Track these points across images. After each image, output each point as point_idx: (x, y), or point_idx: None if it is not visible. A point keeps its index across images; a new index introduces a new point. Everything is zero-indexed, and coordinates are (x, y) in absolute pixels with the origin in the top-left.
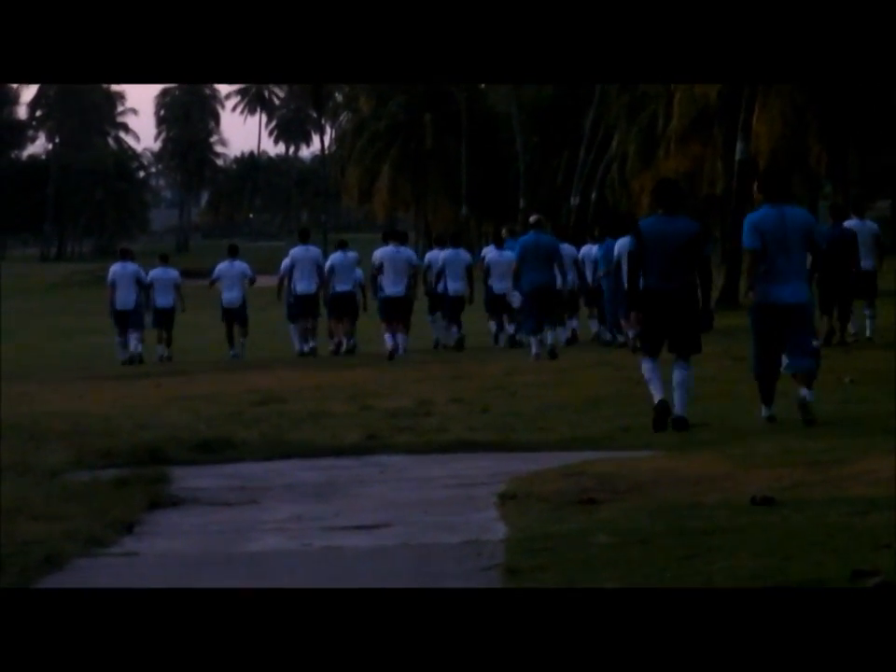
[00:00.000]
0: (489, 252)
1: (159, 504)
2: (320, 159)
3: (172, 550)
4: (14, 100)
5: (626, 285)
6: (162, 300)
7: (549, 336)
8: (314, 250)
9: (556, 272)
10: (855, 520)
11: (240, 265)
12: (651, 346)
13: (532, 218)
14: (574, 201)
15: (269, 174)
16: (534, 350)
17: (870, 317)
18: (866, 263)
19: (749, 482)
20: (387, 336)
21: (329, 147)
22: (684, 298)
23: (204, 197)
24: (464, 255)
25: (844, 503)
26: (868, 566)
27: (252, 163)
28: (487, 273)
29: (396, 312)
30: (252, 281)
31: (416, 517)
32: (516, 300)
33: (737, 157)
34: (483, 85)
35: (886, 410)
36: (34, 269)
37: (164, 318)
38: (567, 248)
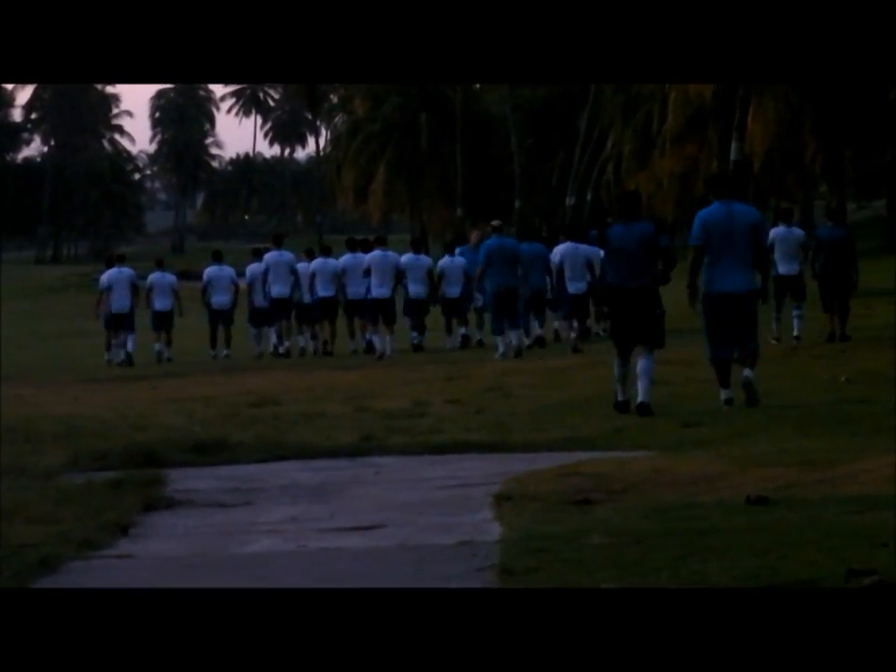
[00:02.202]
0: (443, 259)
1: (154, 506)
2: (315, 160)
3: (167, 552)
4: (9, 102)
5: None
6: (161, 303)
7: (513, 336)
8: (287, 255)
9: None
10: (850, 519)
11: (228, 270)
12: (620, 345)
13: (494, 223)
14: (570, 201)
15: (264, 175)
16: (501, 349)
17: (798, 318)
18: (790, 268)
19: (744, 481)
20: (375, 337)
21: (324, 148)
22: (646, 295)
23: (200, 199)
24: (424, 259)
25: (839, 502)
26: (863, 565)
27: (247, 165)
28: (440, 278)
29: (382, 313)
30: (237, 287)
31: (411, 518)
32: (479, 300)
33: (732, 157)
34: (477, 86)
35: (881, 409)
36: (29, 271)
37: (164, 321)
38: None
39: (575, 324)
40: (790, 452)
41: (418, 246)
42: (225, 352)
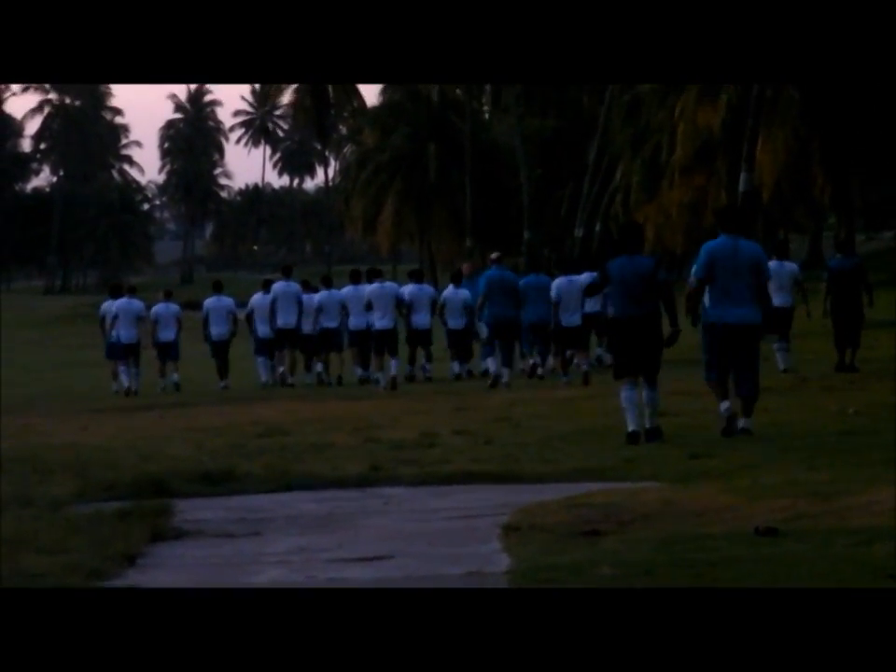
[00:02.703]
0: (447, 290)
1: (162, 536)
2: (324, 191)
3: (175, 582)
4: (18, 132)
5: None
6: (165, 334)
7: (491, 364)
8: (294, 286)
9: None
10: (859, 551)
11: (227, 300)
12: (625, 371)
13: (493, 255)
14: (578, 232)
15: (273, 206)
16: (492, 369)
17: (783, 350)
18: (783, 301)
19: (752, 513)
20: (379, 374)
21: (333, 179)
22: (647, 325)
23: (209, 229)
24: (427, 289)
25: (847, 534)
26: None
27: (256, 195)
28: (442, 309)
29: (386, 345)
30: (236, 318)
31: (419, 549)
32: (483, 331)
33: (741, 188)
34: (486, 116)
35: (889, 441)
36: (38, 301)
37: (169, 351)
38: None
39: (549, 355)
40: (798, 483)
41: (420, 277)
42: (225, 382)
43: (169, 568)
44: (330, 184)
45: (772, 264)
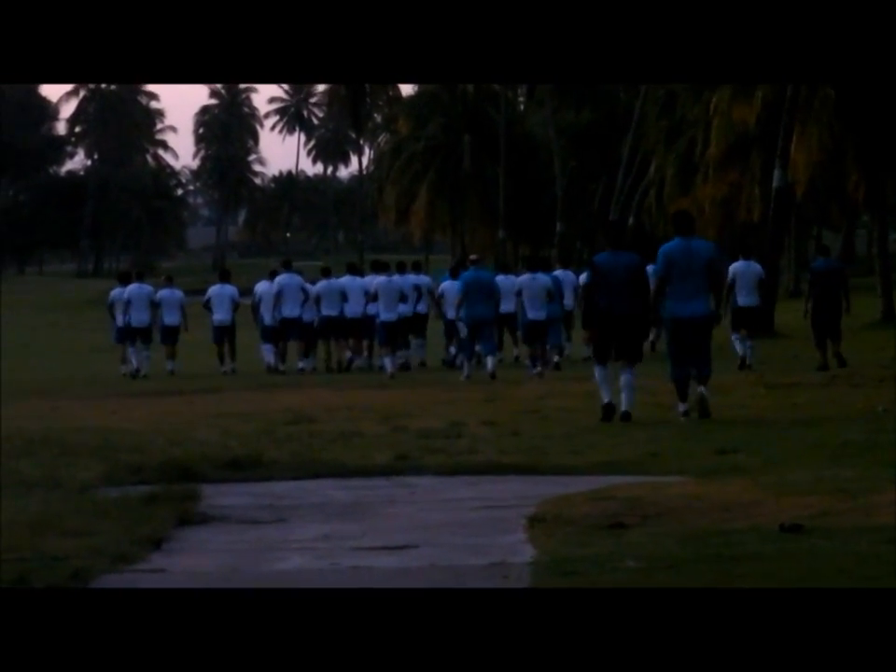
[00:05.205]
0: (445, 283)
1: (188, 521)
2: (358, 179)
3: (199, 567)
4: (53, 116)
5: (584, 307)
6: (170, 318)
7: (489, 361)
8: (297, 277)
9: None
10: (884, 548)
11: (230, 289)
12: (601, 356)
13: (472, 257)
14: None
15: (306, 193)
16: (466, 372)
17: (749, 347)
18: (749, 300)
19: (778, 509)
20: (387, 359)
21: (366, 167)
22: (630, 316)
23: (242, 215)
24: (396, 281)
25: (873, 532)
26: None
27: (290, 182)
28: (440, 300)
29: (392, 335)
30: (237, 305)
31: (444, 538)
32: (463, 329)
33: (775, 184)
34: (521, 107)
35: None
36: (70, 284)
37: (172, 335)
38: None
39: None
40: (824, 480)
41: (418, 267)
42: (231, 366)
43: (194, 553)
44: (364, 172)
45: (739, 265)
